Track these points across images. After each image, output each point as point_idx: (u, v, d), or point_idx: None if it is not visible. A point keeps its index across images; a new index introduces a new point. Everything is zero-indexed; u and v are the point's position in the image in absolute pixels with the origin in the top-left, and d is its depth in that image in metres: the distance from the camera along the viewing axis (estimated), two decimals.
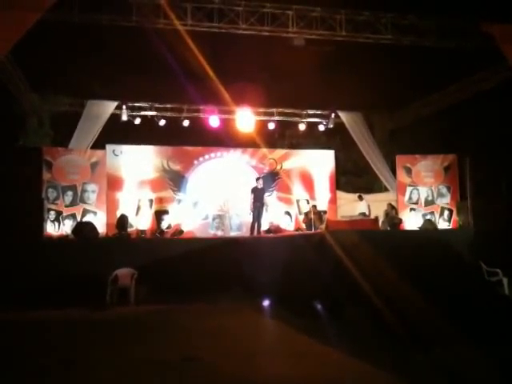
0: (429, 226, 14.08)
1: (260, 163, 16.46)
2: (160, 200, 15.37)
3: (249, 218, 13.22)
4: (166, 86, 14.09)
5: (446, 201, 15.34)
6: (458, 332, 5.31)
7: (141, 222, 14.74)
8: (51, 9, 9.37)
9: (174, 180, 15.70)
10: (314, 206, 14.87)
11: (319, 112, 17.43)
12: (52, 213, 13.70)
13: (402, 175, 15.44)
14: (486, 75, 13.87)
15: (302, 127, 17.57)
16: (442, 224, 15.08)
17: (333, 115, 17.22)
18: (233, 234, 15.14)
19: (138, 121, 16.40)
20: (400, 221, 14.42)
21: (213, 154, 16.25)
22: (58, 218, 13.79)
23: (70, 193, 14.04)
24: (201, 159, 16.09)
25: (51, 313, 8.80)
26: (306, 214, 14.91)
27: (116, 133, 15.88)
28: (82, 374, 5.22)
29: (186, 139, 16.72)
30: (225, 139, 16.94)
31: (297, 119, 17.52)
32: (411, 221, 15.01)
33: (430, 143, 16.02)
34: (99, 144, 15.11)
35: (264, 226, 13.94)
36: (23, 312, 8.69)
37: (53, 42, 11.40)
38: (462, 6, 10.71)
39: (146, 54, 12.03)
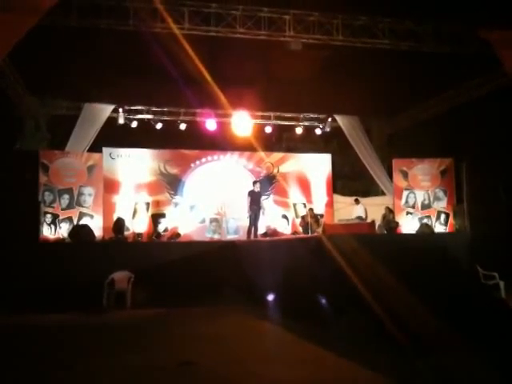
0: (425, 229, 14.11)
1: (257, 167, 16.48)
2: (157, 203, 15.36)
3: (245, 222, 13.23)
4: (162, 90, 14.09)
5: (442, 204, 15.38)
6: (457, 336, 5.32)
7: (137, 225, 14.72)
8: (49, 12, 9.36)
9: (171, 183, 15.69)
10: (311, 210, 14.88)
11: (316, 116, 17.46)
12: (48, 216, 13.67)
13: (398, 179, 15.48)
14: (482, 80, 13.92)
15: (298, 131, 17.60)
16: (439, 228, 15.11)
17: (330, 119, 17.25)
18: (229, 237, 15.12)
19: (134, 124, 16.40)
20: (397, 224, 14.44)
21: (210, 158, 16.26)
22: (54, 222, 13.76)
23: (66, 196, 14.01)
24: (197, 162, 16.10)
25: (47, 317, 8.79)
26: (303, 217, 14.92)
27: (113, 136, 15.87)
28: (79, 378, 5.21)
29: (183, 142, 16.72)
30: (222, 143, 16.93)
31: (294, 123, 17.54)
32: (408, 224, 15.04)
33: (426, 147, 16.06)
34: (96, 147, 15.10)
35: (261, 230, 13.94)
36: (19, 316, 8.67)
37: (50, 46, 11.38)
38: (459, 11, 10.74)
39: (143, 57, 12.01)
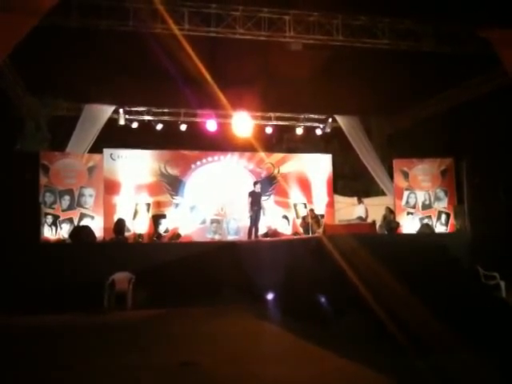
0: (426, 230, 14.10)
1: (257, 167, 16.47)
2: (157, 204, 15.36)
3: (246, 223, 13.23)
4: (163, 91, 14.10)
5: (443, 205, 15.36)
6: (457, 336, 5.31)
7: (138, 226, 14.72)
8: (49, 13, 9.37)
9: (172, 184, 15.69)
10: (312, 210, 14.87)
11: (316, 116, 17.46)
12: (49, 217, 13.68)
13: (399, 179, 15.47)
14: (482, 80, 13.91)
15: (299, 131, 17.61)
16: (439, 228, 15.09)
17: (330, 119, 17.25)
18: (230, 238, 15.12)
19: (135, 125, 16.41)
20: (397, 225, 14.43)
21: (210, 158, 16.25)
22: (55, 223, 13.76)
23: (67, 197, 14.02)
24: (198, 163, 16.10)
25: (48, 317, 8.79)
26: (304, 217, 14.91)
27: (113, 137, 15.89)
28: (80, 378, 5.21)
29: (184, 143, 16.73)
30: (222, 143, 16.95)
31: (294, 123, 17.55)
32: (408, 225, 15.03)
33: (427, 147, 16.05)
34: (96, 148, 15.11)
35: (261, 230, 13.94)
36: (20, 316, 8.67)
37: (51, 47, 11.39)
38: (459, 10, 10.74)
39: (144, 58, 12.03)
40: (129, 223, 14.22)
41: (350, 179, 19.34)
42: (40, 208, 12.24)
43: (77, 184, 14.16)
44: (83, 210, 14.13)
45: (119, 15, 10.54)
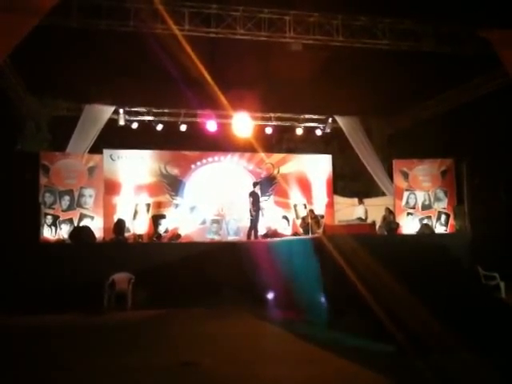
0: (426, 230, 14.11)
1: (257, 168, 16.46)
2: (157, 204, 15.35)
3: (246, 223, 13.25)
4: (163, 91, 14.11)
5: (443, 205, 15.36)
6: (457, 337, 5.32)
7: (138, 226, 14.71)
8: (50, 13, 9.38)
9: (172, 184, 15.68)
10: (312, 211, 14.86)
11: (316, 117, 17.47)
12: (49, 217, 13.69)
13: (399, 180, 15.47)
14: (483, 80, 13.92)
15: (299, 132, 17.62)
16: (439, 228, 15.10)
17: (330, 120, 17.26)
18: (230, 238, 15.11)
19: (135, 125, 16.41)
20: (397, 225, 14.43)
21: (210, 159, 16.24)
22: (54, 223, 13.77)
23: (67, 197, 14.02)
24: (198, 164, 16.09)
25: (48, 318, 8.79)
26: (304, 218, 14.90)
27: (113, 137, 15.89)
28: (80, 378, 5.21)
29: (184, 144, 16.74)
30: (222, 144, 16.95)
31: (294, 124, 17.56)
32: (408, 225, 15.04)
33: (427, 147, 16.06)
34: (96, 148, 15.12)
35: (261, 231, 13.93)
36: (20, 317, 8.67)
37: (51, 47, 11.41)
38: (459, 11, 10.75)
39: (144, 58, 12.04)
40: (129, 223, 14.21)
41: (349, 180, 19.33)
42: (40, 208, 12.24)
43: (77, 184, 14.17)
44: (83, 211, 14.13)
45: (119, 15, 10.55)
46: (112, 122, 15.78)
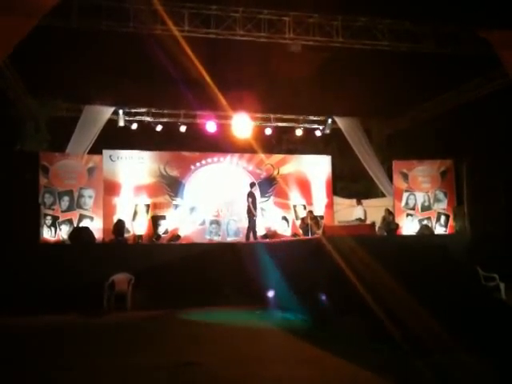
0: (425, 231, 14.12)
1: (257, 168, 16.44)
2: (157, 205, 15.33)
3: (246, 224, 13.23)
4: (163, 92, 14.13)
5: (442, 206, 15.37)
6: (456, 338, 5.32)
7: (137, 227, 14.70)
8: (49, 14, 9.39)
9: (171, 185, 15.66)
10: (311, 212, 14.87)
11: (316, 118, 17.48)
12: (48, 218, 13.67)
13: (398, 181, 15.47)
14: (482, 81, 13.94)
15: (298, 133, 17.64)
16: (439, 229, 15.10)
17: (329, 120, 17.27)
18: (229, 239, 15.11)
19: (134, 126, 16.43)
20: (397, 226, 14.44)
21: (210, 160, 16.22)
22: (54, 224, 13.75)
23: (66, 198, 14.01)
24: (198, 164, 16.07)
25: (48, 318, 8.78)
26: (303, 219, 14.90)
27: (113, 138, 15.91)
28: (80, 379, 5.20)
29: (183, 144, 16.75)
30: (222, 144, 16.96)
31: (294, 125, 17.58)
32: (408, 226, 15.04)
33: (426, 148, 16.07)
34: (96, 149, 15.11)
35: (261, 232, 13.92)
36: (20, 317, 8.66)
37: (51, 48, 11.42)
38: (459, 12, 10.77)
39: (143, 59, 12.05)
40: (128, 224, 14.20)
41: (349, 181, 19.34)
42: (39, 209, 12.24)
43: (76, 185, 14.15)
44: (83, 211, 14.12)
45: (119, 16, 10.56)
46: (112, 122, 15.80)
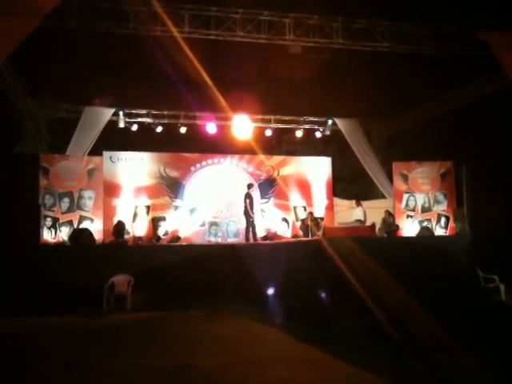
0: (426, 232, 14.11)
1: (257, 170, 16.45)
2: (157, 207, 15.33)
3: (245, 225, 13.23)
4: (163, 93, 14.12)
5: (442, 207, 15.36)
6: (456, 338, 5.32)
7: (137, 228, 14.70)
8: (49, 15, 9.39)
9: (171, 186, 15.66)
10: (311, 213, 14.87)
11: (316, 119, 17.49)
12: (48, 219, 13.65)
13: (398, 182, 15.45)
14: (482, 82, 13.94)
15: (298, 134, 17.64)
16: (439, 231, 15.09)
17: (329, 122, 17.27)
18: (229, 240, 15.12)
19: (135, 127, 16.43)
20: (397, 228, 14.43)
21: (210, 161, 16.23)
22: (54, 225, 13.73)
23: (66, 199, 13.98)
24: (198, 166, 16.07)
25: (48, 320, 8.77)
26: (303, 220, 14.91)
27: (113, 139, 15.91)
28: (79, 380, 5.20)
29: (183, 146, 16.73)
30: (222, 146, 16.97)
31: (294, 126, 17.59)
32: (408, 228, 15.02)
33: (426, 150, 16.07)
34: (96, 150, 15.10)
35: (261, 233, 13.92)
36: (20, 319, 8.65)
37: (51, 49, 11.42)
38: (458, 13, 10.78)
39: (143, 61, 12.05)
40: (128, 226, 14.19)
41: (349, 182, 19.35)
42: (39, 210, 12.22)
43: (76, 186, 14.13)
44: (83, 213, 14.09)
45: (119, 17, 10.56)
46: (112, 123, 15.79)
